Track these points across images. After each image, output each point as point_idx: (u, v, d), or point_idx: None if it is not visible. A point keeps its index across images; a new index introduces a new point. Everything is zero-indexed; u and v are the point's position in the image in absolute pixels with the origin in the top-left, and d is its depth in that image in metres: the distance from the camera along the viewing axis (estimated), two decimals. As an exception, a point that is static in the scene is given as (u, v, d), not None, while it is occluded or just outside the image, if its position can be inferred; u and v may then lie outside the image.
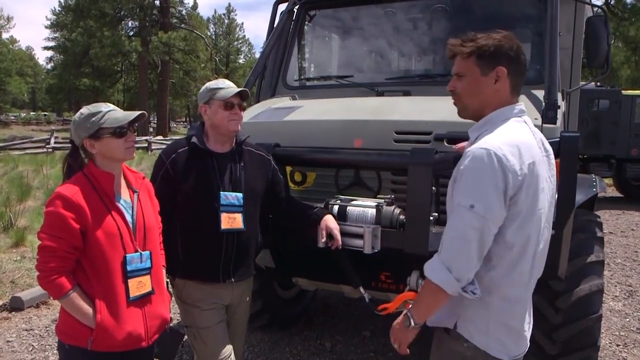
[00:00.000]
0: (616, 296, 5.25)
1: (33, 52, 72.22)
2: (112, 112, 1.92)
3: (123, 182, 2.02)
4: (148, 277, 1.97)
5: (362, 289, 2.58)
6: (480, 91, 1.65)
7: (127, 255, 1.90)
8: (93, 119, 1.88)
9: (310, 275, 3.07)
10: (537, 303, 2.74)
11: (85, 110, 1.93)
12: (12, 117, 52.39)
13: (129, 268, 1.89)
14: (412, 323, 1.66)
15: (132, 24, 37.86)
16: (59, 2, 42.31)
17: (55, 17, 43.37)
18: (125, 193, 2.00)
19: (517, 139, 1.57)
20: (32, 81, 61.55)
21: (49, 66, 50.03)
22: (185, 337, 2.45)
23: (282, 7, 3.83)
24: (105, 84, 42.31)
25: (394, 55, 3.99)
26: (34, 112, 58.67)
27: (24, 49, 65.09)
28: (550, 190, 1.67)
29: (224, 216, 2.29)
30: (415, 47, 3.78)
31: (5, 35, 56.17)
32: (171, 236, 2.33)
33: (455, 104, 1.74)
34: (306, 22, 3.96)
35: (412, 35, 3.64)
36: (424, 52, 3.80)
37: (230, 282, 2.38)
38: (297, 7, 3.81)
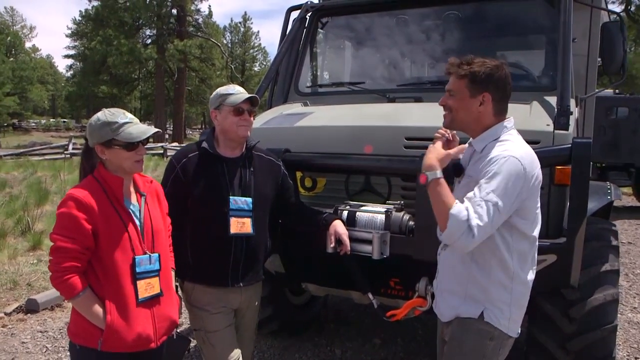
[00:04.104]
0: (635, 307, 5.13)
1: (53, 61, 73.82)
2: (127, 126, 1.91)
3: (131, 185, 2.05)
4: (157, 279, 1.99)
5: (370, 295, 2.57)
6: (467, 110, 1.89)
7: (135, 257, 1.92)
8: (108, 128, 1.90)
9: (320, 281, 3.07)
10: (550, 312, 2.71)
11: (102, 116, 1.93)
12: (33, 124, 53.52)
13: (137, 270, 1.92)
14: (428, 180, 1.81)
15: (149, 32, 38.45)
16: (80, 11, 43.22)
17: (75, 26, 44.26)
18: (133, 196, 2.03)
19: (529, 149, 1.86)
20: (53, 89, 62.79)
21: (68, 74, 51.04)
22: (192, 342, 2.45)
23: (295, 14, 3.86)
24: (122, 91, 42.89)
25: (406, 62, 3.99)
26: (53, 119, 59.87)
27: (44, 57, 66.56)
28: None
29: (233, 221, 2.30)
30: (427, 54, 3.78)
31: (27, 45, 57.58)
32: (181, 240, 2.34)
33: (445, 116, 1.97)
34: (318, 29, 3.98)
35: (424, 42, 3.63)
36: (436, 58, 3.79)
37: (238, 287, 2.39)
38: (309, 14, 3.83)
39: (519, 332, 1.97)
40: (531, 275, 1.94)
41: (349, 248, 2.42)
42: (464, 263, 1.90)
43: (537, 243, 1.93)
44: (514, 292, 1.88)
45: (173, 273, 2.20)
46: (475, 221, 1.70)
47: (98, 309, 1.86)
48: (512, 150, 1.79)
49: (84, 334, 1.89)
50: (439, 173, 1.80)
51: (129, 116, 1.97)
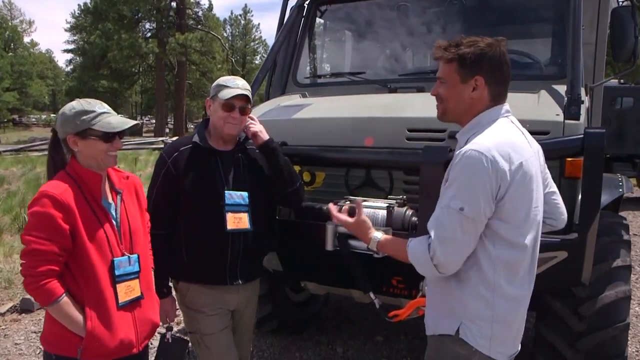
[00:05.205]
0: (642, 301, 5.03)
1: (53, 55, 73.65)
2: (105, 115, 1.81)
3: (107, 182, 1.94)
4: (137, 281, 1.89)
5: (372, 295, 2.47)
6: (459, 98, 1.68)
7: (114, 259, 1.81)
8: (84, 117, 1.78)
9: (319, 279, 2.98)
10: (559, 310, 2.63)
11: (77, 105, 1.82)
12: (33, 119, 53.41)
13: (117, 272, 1.81)
14: (375, 248, 1.84)
15: (149, 25, 38.19)
16: (79, 5, 43.03)
17: (74, 20, 44.06)
18: (108, 194, 1.92)
19: (507, 139, 1.60)
20: (52, 84, 62.51)
21: (68, 69, 50.89)
22: (190, 344, 2.37)
23: (293, 2, 3.73)
24: (123, 85, 42.77)
25: (407, 51, 3.87)
26: (54, 114, 59.63)
27: (44, 52, 66.29)
28: (541, 187, 1.72)
29: (229, 216, 2.21)
30: (429, 42, 3.64)
31: (26, 39, 57.33)
32: (175, 238, 2.26)
33: (437, 107, 1.78)
34: (317, 18, 3.86)
35: (426, 31, 3.50)
36: (439, 47, 3.65)
37: (237, 285, 2.30)
38: (307, 2, 3.72)
39: (510, 354, 1.72)
40: (523, 291, 1.69)
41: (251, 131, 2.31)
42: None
43: (533, 252, 1.68)
44: (496, 307, 1.62)
45: (153, 273, 2.10)
46: (436, 238, 1.56)
47: (77, 315, 1.75)
48: (478, 142, 1.56)
49: (62, 342, 1.78)
50: (375, 238, 1.83)
51: (107, 107, 1.86)
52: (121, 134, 1.87)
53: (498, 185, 1.53)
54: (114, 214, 1.89)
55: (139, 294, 1.89)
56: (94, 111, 1.79)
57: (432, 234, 1.59)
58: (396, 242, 1.79)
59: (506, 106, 1.70)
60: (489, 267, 1.60)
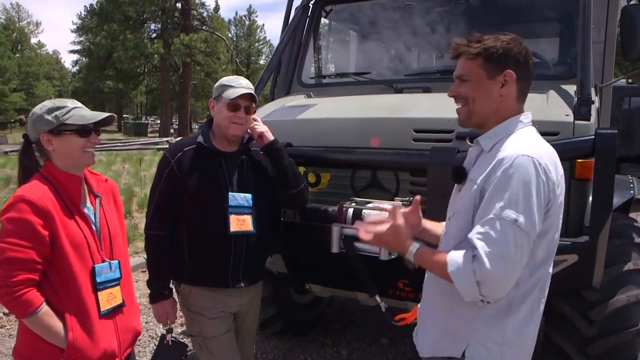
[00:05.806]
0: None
1: (60, 56, 74.08)
2: (78, 109, 1.76)
3: (85, 186, 1.86)
4: (118, 288, 1.83)
5: (378, 298, 2.44)
6: (487, 95, 1.54)
7: (95, 265, 1.74)
8: (56, 112, 1.72)
9: (324, 282, 2.95)
10: (568, 313, 2.58)
11: (49, 103, 1.77)
12: (40, 120, 53.61)
13: (98, 279, 1.74)
14: (412, 259, 1.56)
15: (154, 26, 38.41)
16: (85, 6, 43.34)
17: (80, 21, 44.35)
18: (86, 198, 1.84)
19: (549, 149, 1.50)
20: (59, 84, 62.80)
21: (74, 69, 51.19)
22: (189, 348, 2.34)
23: (297, 2, 3.71)
24: (128, 86, 43.05)
25: (413, 51, 3.83)
26: (60, 114, 59.79)
27: (51, 53, 66.69)
28: None
29: (232, 218, 2.18)
30: (436, 42, 3.61)
31: (33, 40, 57.69)
32: (177, 239, 2.23)
33: (459, 111, 1.62)
34: (322, 18, 3.83)
35: (432, 30, 3.47)
36: (445, 47, 3.62)
37: (239, 287, 2.27)
38: (312, 2, 3.69)
39: None
40: (536, 311, 1.54)
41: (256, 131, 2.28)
42: (444, 291, 1.53)
43: (548, 264, 1.54)
44: (508, 329, 1.49)
45: (133, 280, 2.06)
46: (484, 252, 1.35)
47: (58, 325, 1.66)
48: (525, 147, 1.43)
49: (40, 355, 1.68)
50: (413, 249, 1.55)
51: (79, 103, 1.81)
52: (97, 129, 1.81)
53: (549, 197, 1.42)
54: (93, 218, 1.82)
55: (120, 301, 1.83)
56: (65, 106, 1.75)
57: (478, 247, 1.38)
58: (436, 255, 1.53)
59: (529, 114, 1.58)
60: (512, 287, 1.45)
